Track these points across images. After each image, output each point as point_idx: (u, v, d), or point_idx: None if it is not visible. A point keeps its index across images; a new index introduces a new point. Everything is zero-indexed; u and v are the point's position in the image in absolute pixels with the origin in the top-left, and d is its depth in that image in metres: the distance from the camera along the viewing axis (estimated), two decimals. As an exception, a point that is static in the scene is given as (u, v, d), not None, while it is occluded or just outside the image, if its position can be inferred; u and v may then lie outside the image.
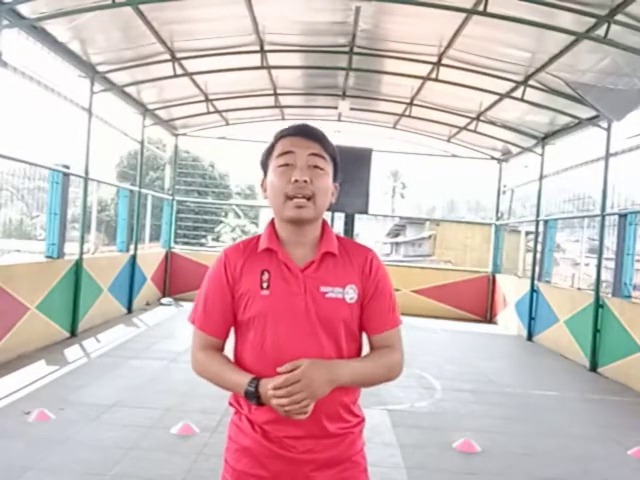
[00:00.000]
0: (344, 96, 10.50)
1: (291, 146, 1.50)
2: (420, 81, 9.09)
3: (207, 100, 10.39)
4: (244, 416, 1.52)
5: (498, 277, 12.40)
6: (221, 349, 1.61)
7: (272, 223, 1.60)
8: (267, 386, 1.35)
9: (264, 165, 1.58)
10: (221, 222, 32.06)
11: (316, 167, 1.50)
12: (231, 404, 1.57)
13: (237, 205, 35.37)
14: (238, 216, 35.35)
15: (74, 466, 3.66)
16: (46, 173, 7.37)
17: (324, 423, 1.47)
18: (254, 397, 1.40)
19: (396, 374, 1.58)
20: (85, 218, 8.19)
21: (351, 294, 1.52)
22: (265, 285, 1.50)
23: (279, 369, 1.36)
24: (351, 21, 7.23)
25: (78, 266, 7.78)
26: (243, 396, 1.43)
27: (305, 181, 1.47)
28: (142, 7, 6.38)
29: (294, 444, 1.46)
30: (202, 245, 17.31)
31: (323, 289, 1.50)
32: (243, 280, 1.52)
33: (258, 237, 1.59)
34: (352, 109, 10.94)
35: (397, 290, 11.71)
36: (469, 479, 4.01)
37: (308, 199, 1.48)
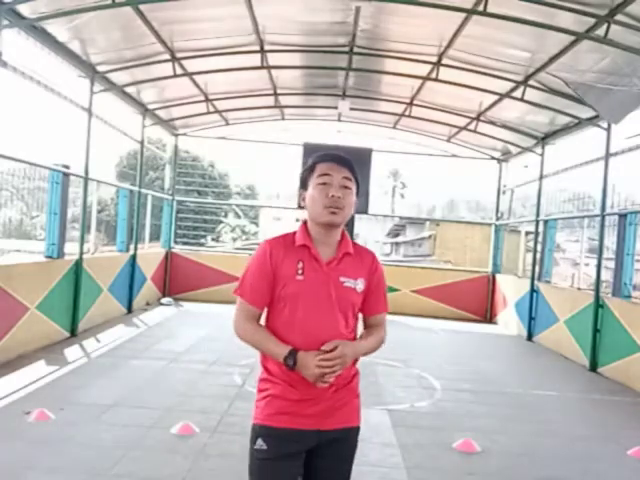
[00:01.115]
0: (344, 96, 10.50)
1: (328, 170, 2.00)
2: (420, 81, 9.10)
3: (207, 100, 10.39)
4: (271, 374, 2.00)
5: (498, 277, 12.40)
6: (258, 319, 2.05)
7: (305, 226, 2.06)
8: (308, 358, 1.87)
9: (304, 181, 2.07)
10: (221, 222, 32.04)
11: (346, 187, 2.00)
12: (262, 364, 2.05)
13: (237, 205, 35.33)
14: (238, 216, 35.34)
15: (74, 466, 3.66)
16: (46, 173, 7.37)
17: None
18: (292, 364, 1.88)
19: (382, 345, 2.13)
20: (85, 218, 8.19)
21: (360, 285, 2.03)
22: (300, 272, 1.98)
23: (323, 347, 1.89)
24: (351, 21, 7.23)
25: (78, 266, 7.78)
26: (282, 362, 1.90)
27: (339, 197, 1.97)
28: (142, 7, 6.38)
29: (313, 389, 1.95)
30: (202, 245, 17.32)
31: (342, 279, 2.00)
32: (284, 266, 1.98)
33: (293, 234, 2.05)
34: (352, 109, 10.94)
35: (397, 290, 11.75)
36: (469, 479, 4.01)
37: (340, 209, 1.97)
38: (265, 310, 2.05)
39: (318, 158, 2.07)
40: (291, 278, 1.97)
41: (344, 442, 2.04)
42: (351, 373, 2.06)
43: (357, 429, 2.09)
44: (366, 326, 2.13)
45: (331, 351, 1.89)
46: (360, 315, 2.13)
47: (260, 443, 1.95)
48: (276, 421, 1.95)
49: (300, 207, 2.08)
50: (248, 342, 2.04)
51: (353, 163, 2.08)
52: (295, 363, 1.89)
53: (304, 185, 2.07)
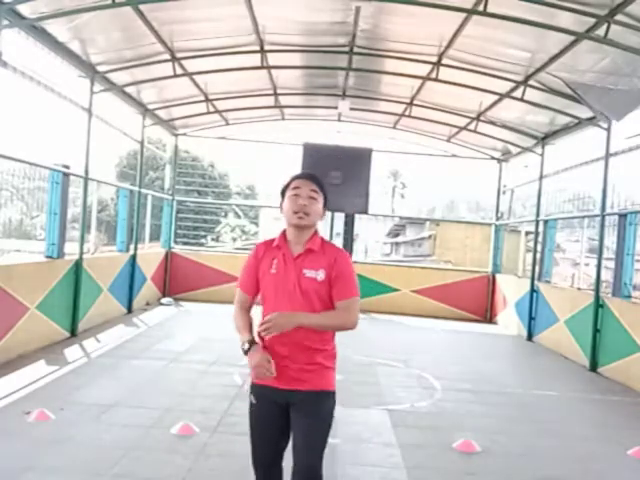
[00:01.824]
0: (344, 96, 10.50)
1: (299, 184, 2.54)
2: (420, 81, 9.10)
3: (207, 100, 10.39)
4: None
5: (498, 277, 12.40)
6: (249, 302, 2.67)
7: (284, 231, 2.61)
8: (255, 354, 2.44)
9: (282, 193, 2.60)
10: (221, 222, 32.03)
11: (312, 197, 2.51)
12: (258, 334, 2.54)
13: (237, 205, 35.31)
14: (238, 216, 35.33)
15: (74, 466, 3.66)
16: (46, 173, 7.36)
17: (295, 352, 2.49)
18: (245, 352, 2.47)
19: (347, 327, 2.54)
20: (85, 218, 8.19)
21: (321, 275, 2.50)
22: (274, 267, 2.55)
23: (265, 319, 2.41)
24: (351, 21, 7.23)
25: (78, 266, 7.78)
26: (241, 346, 2.49)
27: (305, 205, 2.49)
28: (142, 7, 6.38)
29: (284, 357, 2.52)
30: (202, 245, 17.31)
31: (304, 271, 2.50)
32: (263, 263, 2.58)
33: (273, 239, 2.62)
34: (352, 109, 10.94)
35: (397, 290, 11.75)
36: (469, 479, 4.01)
37: (306, 215, 2.49)
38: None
39: (294, 176, 2.63)
40: (267, 272, 2.56)
41: (307, 401, 2.53)
42: (319, 350, 2.57)
43: (323, 393, 2.63)
44: (338, 307, 2.53)
45: (274, 322, 2.39)
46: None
47: (251, 397, 2.61)
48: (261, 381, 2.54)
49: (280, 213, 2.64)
50: (234, 323, 2.67)
51: (320, 180, 2.62)
52: (246, 353, 2.47)
53: (282, 196, 2.62)
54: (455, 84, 8.71)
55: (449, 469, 4.12)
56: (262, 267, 2.58)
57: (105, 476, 3.55)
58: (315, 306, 2.50)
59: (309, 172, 2.70)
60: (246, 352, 2.47)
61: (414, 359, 7.58)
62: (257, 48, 8.16)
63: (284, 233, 2.61)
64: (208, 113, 11.01)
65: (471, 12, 6.07)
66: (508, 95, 8.65)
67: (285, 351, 2.49)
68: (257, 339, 2.52)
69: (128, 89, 9.24)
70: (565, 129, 9.56)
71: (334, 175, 11.49)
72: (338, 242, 13.82)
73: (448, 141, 12.32)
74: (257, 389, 2.59)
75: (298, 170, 11.67)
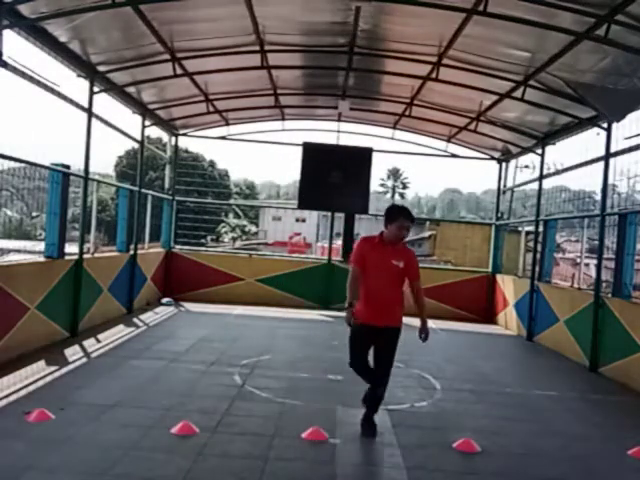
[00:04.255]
0: (344, 96, 10.50)
1: (404, 221, 4.56)
2: (420, 81, 9.09)
3: (207, 100, 10.39)
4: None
5: (498, 277, 12.40)
6: (360, 273, 4.57)
7: (382, 233, 4.64)
8: (348, 313, 4.60)
9: (391, 217, 4.60)
10: (221, 222, 32.02)
11: (407, 230, 4.64)
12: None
13: (237, 205, 35.23)
14: (238, 216, 35.35)
15: (74, 466, 3.66)
16: (46, 173, 7.36)
17: (388, 306, 4.63)
18: (346, 308, 4.62)
19: (424, 297, 4.73)
20: (85, 218, 8.18)
21: (401, 264, 4.55)
22: (373, 255, 4.57)
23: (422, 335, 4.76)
24: (351, 21, 7.23)
25: (78, 266, 7.77)
26: (346, 305, 4.64)
27: (405, 235, 4.66)
28: (142, 7, 6.38)
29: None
30: (202, 245, 17.31)
31: (393, 261, 4.54)
32: (366, 250, 4.63)
33: (375, 237, 4.67)
34: (352, 109, 10.94)
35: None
36: (469, 479, 4.01)
37: (402, 239, 4.69)
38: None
39: (401, 212, 4.64)
40: (371, 257, 4.58)
41: (387, 333, 4.60)
42: (398, 305, 4.66)
43: (397, 328, 4.64)
44: (411, 288, 4.69)
45: (425, 333, 4.71)
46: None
47: (354, 323, 4.60)
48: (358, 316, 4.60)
49: (386, 227, 4.64)
50: (348, 287, 4.64)
51: (414, 217, 4.69)
52: (347, 309, 4.60)
53: (388, 217, 4.62)
54: (455, 84, 8.72)
55: (449, 469, 4.12)
56: (367, 253, 4.60)
57: (105, 476, 3.55)
58: (396, 280, 4.58)
59: (411, 215, 4.64)
60: (346, 308, 4.59)
61: (414, 359, 7.57)
62: (257, 48, 8.16)
63: (382, 235, 4.62)
64: (208, 113, 11.01)
65: (471, 12, 6.07)
66: (508, 95, 8.65)
67: (383, 305, 4.56)
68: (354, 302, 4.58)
69: (128, 89, 9.24)
70: (565, 129, 9.56)
71: (334, 175, 11.51)
72: (338, 242, 13.84)
73: (448, 141, 12.33)
74: (362, 324, 4.57)
75: (298, 170, 11.69)
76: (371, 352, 4.70)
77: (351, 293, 4.59)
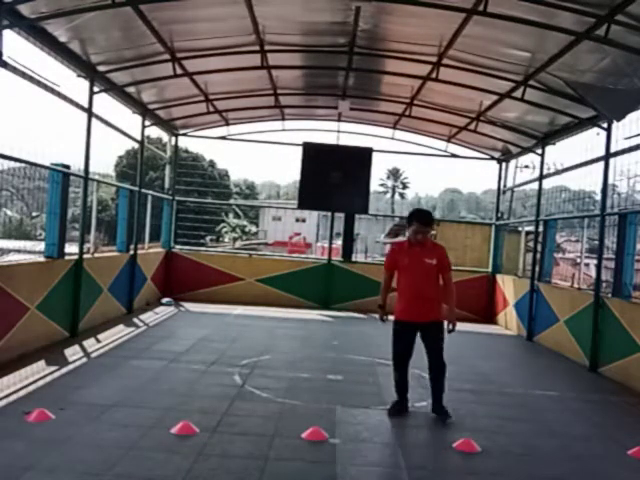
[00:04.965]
0: (344, 96, 10.50)
1: (420, 226, 5.07)
2: (420, 81, 9.09)
3: (207, 100, 10.38)
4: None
5: (498, 277, 12.40)
6: (392, 276, 5.29)
7: (409, 238, 5.18)
8: (380, 312, 5.36)
9: (408, 221, 5.18)
10: (221, 222, 32.02)
11: (425, 232, 5.11)
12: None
13: (237, 205, 35.23)
14: (238, 216, 35.36)
15: (74, 466, 3.66)
16: (46, 173, 7.36)
17: (426, 302, 5.15)
18: (379, 307, 5.36)
19: (454, 291, 5.28)
20: (85, 218, 8.18)
21: (434, 261, 5.09)
22: (406, 258, 5.13)
23: (449, 327, 5.28)
24: (351, 21, 7.22)
25: (78, 266, 7.77)
26: (378, 303, 5.37)
27: (421, 238, 5.10)
28: (142, 7, 6.38)
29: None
30: (202, 245, 17.30)
31: (426, 259, 5.07)
32: (400, 255, 5.21)
33: (404, 241, 5.30)
34: (352, 109, 10.94)
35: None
36: (469, 479, 4.01)
37: (420, 241, 5.13)
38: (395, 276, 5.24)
39: (416, 216, 5.15)
40: (404, 259, 5.11)
41: (432, 327, 5.11)
42: (436, 300, 5.13)
43: (439, 322, 5.13)
44: (444, 283, 5.16)
45: (452, 322, 5.21)
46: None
47: (396, 325, 5.16)
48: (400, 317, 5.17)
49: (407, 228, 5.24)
50: (382, 288, 5.31)
51: (432, 218, 5.22)
52: (380, 308, 5.32)
53: (409, 221, 5.14)
54: (455, 84, 8.71)
55: (449, 469, 4.13)
56: (399, 257, 5.15)
57: (105, 476, 3.55)
58: (431, 277, 5.08)
59: (425, 218, 5.13)
60: (379, 308, 5.29)
61: (414, 359, 7.56)
62: (257, 48, 8.16)
63: (409, 239, 5.13)
64: (208, 113, 11.01)
65: (471, 12, 6.07)
66: (508, 95, 8.64)
67: (422, 302, 5.04)
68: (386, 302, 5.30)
69: (128, 89, 9.24)
70: (565, 129, 9.56)
71: (334, 175, 11.51)
72: (338, 242, 13.84)
73: (448, 141, 12.32)
74: (401, 322, 5.12)
75: (298, 170, 11.70)
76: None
77: (382, 296, 5.33)
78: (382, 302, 5.33)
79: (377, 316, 5.41)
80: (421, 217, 5.11)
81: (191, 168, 17.84)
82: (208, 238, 23.64)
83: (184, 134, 12.74)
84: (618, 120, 7.25)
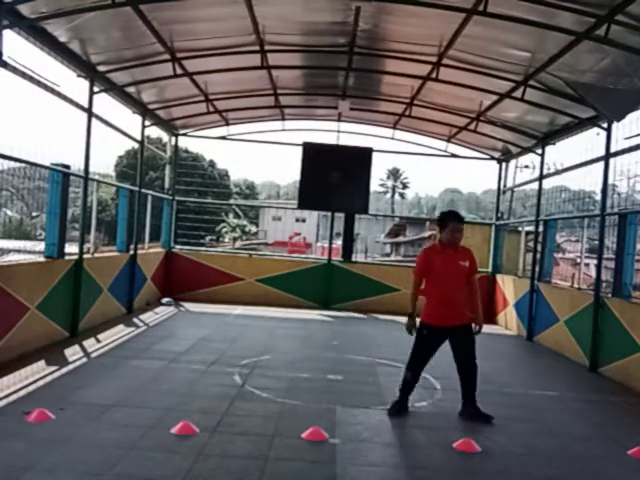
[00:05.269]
0: (344, 96, 10.50)
1: (458, 224, 5.12)
2: (420, 81, 9.09)
3: (207, 100, 10.38)
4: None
5: (498, 277, 12.39)
6: (420, 284, 5.19)
7: (440, 240, 5.18)
8: (410, 322, 5.19)
9: (443, 223, 5.14)
10: (221, 222, 32.01)
11: (461, 231, 5.11)
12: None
13: (237, 205, 35.22)
14: (238, 216, 35.35)
15: (74, 466, 3.66)
16: (46, 173, 7.36)
17: (455, 307, 5.14)
18: (408, 317, 5.19)
19: (479, 290, 5.36)
20: (85, 218, 8.18)
21: (466, 264, 5.10)
22: (440, 261, 5.07)
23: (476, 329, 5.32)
24: (351, 21, 7.22)
25: (78, 266, 7.77)
26: (408, 316, 5.18)
27: (460, 237, 5.13)
28: (142, 7, 6.38)
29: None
30: (202, 245, 17.31)
31: (460, 262, 5.08)
32: (433, 259, 5.11)
33: (436, 244, 5.30)
34: (352, 109, 10.94)
35: (397, 290, 11.72)
36: (469, 479, 4.01)
37: (458, 241, 5.14)
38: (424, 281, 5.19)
39: (453, 217, 5.17)
40: (437, 264, 5.05)
41: (463, 329, 5.15)
42: (465, 302, 5.10)
43: (469, 324, 5.18)
44: (469, 282, 5.17)
45: (479, 324, 5.22)
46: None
47: (424, 330, 5.10)
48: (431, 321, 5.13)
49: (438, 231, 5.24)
50: (411, 296, 5.16)
51: (463, 219, 5.23)
52: (409, 318, 5.14)
53: (441, 222, 5.12)
54: (455, 84, 8.71)
55: (449, 469, 4.13)
56: (433, 262, 5.06)
57: (105, 476, 3.55)
58: (462, 280, 5.08)
59: (460, 217, 5.20)
60: (409, 317, 5.13)
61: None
62: (257, 48, 8.16)
63: (440, 242, 5.15)
64: (208, 113, 11.01)
65: (471, 12, 6.07)
66: (508, 95, 8.64)
67: (454, 306, 5.04)
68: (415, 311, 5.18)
69: (128, 89, 9.24)
70: (565, 129, 9.56)
71: (334, 175, 11.51)
72: (338, 242, 13.84)
73: (448, 141, 12.32)
74: (430, 326, 5.11)
75: (298, 170, 11.70)
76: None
77: (411, 303, 5.16)
78: (412, 310, 5.14)
79: (406, 325, 5.18)
80: (459, 216, 5.17)
81: (191, 168, 17.83)
82: (208, 238, 23.64)
83: (184, 134, 12.74)
84: (618, 120, 7.25)
